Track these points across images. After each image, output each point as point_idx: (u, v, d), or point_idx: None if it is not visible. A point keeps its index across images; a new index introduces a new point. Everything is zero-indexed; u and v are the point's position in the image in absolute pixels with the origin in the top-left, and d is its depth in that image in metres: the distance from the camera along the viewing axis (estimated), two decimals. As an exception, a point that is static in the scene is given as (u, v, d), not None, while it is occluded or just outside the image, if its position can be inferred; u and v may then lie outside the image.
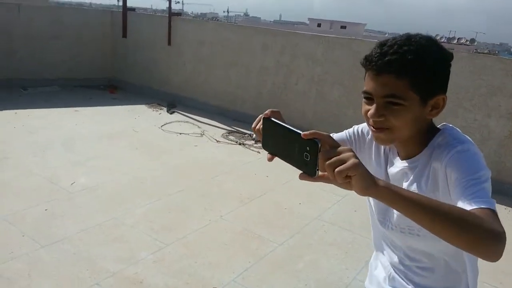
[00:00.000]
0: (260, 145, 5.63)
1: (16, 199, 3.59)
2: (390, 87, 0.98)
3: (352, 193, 1.19)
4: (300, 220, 3.70)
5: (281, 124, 0.87)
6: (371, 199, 1.26)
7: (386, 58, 0.98)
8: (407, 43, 0.99)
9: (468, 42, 43.44)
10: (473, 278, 1.21)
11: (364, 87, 1.04)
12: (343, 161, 0.78)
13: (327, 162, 0.79)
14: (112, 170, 4.40)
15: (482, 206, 0.86)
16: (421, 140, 1.09)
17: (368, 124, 1.07)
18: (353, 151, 0.80)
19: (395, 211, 1.15)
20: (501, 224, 0.84)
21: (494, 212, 0.86)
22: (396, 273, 1.27)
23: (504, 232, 0.83)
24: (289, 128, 0.84)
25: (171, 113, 7.00)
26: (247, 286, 2.75)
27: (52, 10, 8.54)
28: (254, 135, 5.84)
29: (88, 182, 4.04)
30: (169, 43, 7.66)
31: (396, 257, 1.26)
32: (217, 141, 5.74)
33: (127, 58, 8.49)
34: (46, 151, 4.75)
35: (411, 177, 1.11)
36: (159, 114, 6.95)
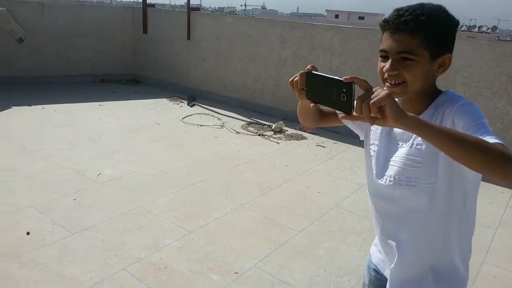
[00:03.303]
0: (278, 136, 5.73)
1: (46, 190, 3.76)
2: (405, 43, 1.12)
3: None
4: (319, 209, 3.76)
5: (320, 75, 1.03)
6: (373, 158, 1.34)
7: (403, 19, 1.12)
8: (420, 8, 1.13)
9: (489, 30, 42.26)
10: (466, 239, 1.29)
11: (380, 47, 1.18)
12: (376, 95, 0.91)
13: (363, 101, 0.92)
14: (136, 162, 4.54)
15: (495, 141, 0.98)
16: (427, 98, 1.21)
17: (383, 80, 1.19)
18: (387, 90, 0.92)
19: (394, 164, 1.26)
20: None
21: (505, 146, 0.99)
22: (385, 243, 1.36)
23: None
24: (327, 77, 1.00)
25: (191, 106, 7.13)
26: (268, 271, 2.84)
27: (74, 8, 8.72)
28: (273, 126, 5.92)
29: (114, 173, 4.19)
30: (189, 38, 7.77)
31: (385, 224, 1.35)
32: (237, 132, 5.83)
33: (148, 53, 8.65)
34: (73, 144, 4.92)
35: None
36: (180, 107, 7.08)
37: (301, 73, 1.09)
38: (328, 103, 1.02)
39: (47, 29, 7.87)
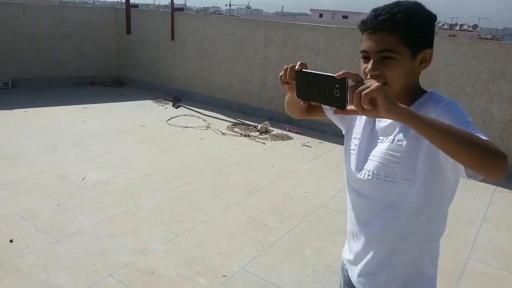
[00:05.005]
0: (264, 136, 5.71)
1: (28, 196, 3.70)
2: (384, 42, 1.13)
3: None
4: (306, 209, 3.77)
5: (311, 72, 1.03)
6: (354, 152, 1.33)
7: (380, 18, 1.13)
8: (396, 6, 1.14)
9: (470, 28, 42.97)
10: (436, 239, 1.30)
11: (361, 48, 1.18)
12: (368, 86, 0.93)
13: (355, 91, 0.94)
14: (121, 165, 4.49)
15: (485, 138, 0.97)
16: (410, 96, 1.21)
17: None
18: (376, 81, 0.94)
19: (373, 159, 1.26)
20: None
21: (494, 143, 0.98)
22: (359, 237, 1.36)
23: (507, 155, 0.95)
24: (319, 74, 1.01)
25: (176, 108, 7.08)
26: (256, 273, 2.84)
27: (56, 9, 8.61)
28: (259, 127, 5.91)
29: (99, 177, 4.14)
30: (173, 39, 7.72)
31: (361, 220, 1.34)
32: (223, 133, 5.81)
33: (132, 54, 8.57)
34: (56, 148, 4.85)
35: (398, 128, 1.21)
36: (165, 108, 7.03)
37: (290, 66, 1.11)
38: (320, 100, 1.04)
39: (29, 31, 7.74)
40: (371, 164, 1.26)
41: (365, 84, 0.94)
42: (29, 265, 2.77)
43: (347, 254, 1.44)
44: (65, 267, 2.78)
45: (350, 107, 0.98)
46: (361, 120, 1.33)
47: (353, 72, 0.97)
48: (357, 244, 1.36)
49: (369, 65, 1.15)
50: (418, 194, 1.19)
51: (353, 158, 1.32)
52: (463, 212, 3.84)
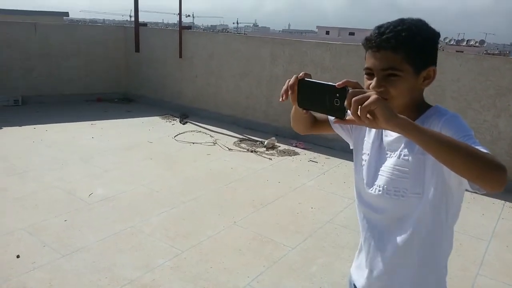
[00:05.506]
0: (271, 152, 5.70)
1: (36, 211, 3.72)
2: (388, 60, 1.14)
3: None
4: (312, 224, 3.75)
5: (313, 81, 1.05)
6: (364, 167, 1.33)
7: (384, 36, 1.14)
8: (400, 24, 1.15)
9: (477, 44, 43.09)
10: (445, 255, 1.29)
11: (365, 65, 1.20)
12: (367, 98, 0.93)
13: (353, 99, 0.94)
14: (128, 181, 4.51)
15: (485, 151, 0.99)
16: (414, 111, 1.22)
17: None
18: (376, 93, 0.94)
19: (383, 174, 1.27)
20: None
21: (494, 156, 0.99)
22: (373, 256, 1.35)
23: (506, 168, 0.96)
24: (320, 83, 1.02)
25: (184, 124, 7.13)
26: (261, 289, 2.82)
27: (67, 28, 8.78)
28: (266, 142, 5.91)
29: (106, 193, 4.16)
30: (181, 56, 7.82)
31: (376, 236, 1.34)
32: (229, 149, 5.83)
33: (140, 72, 8.69)
34: (65, 164, 4.89)
35: (404, 142, 1.22)
36: (173, 125, 7.08)
37: (295, 76, 1.11)
38: (321, 109, 1.03)
39: (40, 49, 7.90)
40: (381, 179, 1.27)
41: (364, 93, 0.94)
42: (35, 281, 2.78)
43: (357, 270, 1.43)
44: (71, 283, 2.79)
45: (350, 116, 0.98)
46: (369, 135, 1.34)
47: (353, 80, 0.98)
48: (370, 259, 1.35)
49: (373, 83, 1.16)
50: (426, 208, 1.20)
51: (364, 173, 1.33)
52: (472, 227, 3.79)
